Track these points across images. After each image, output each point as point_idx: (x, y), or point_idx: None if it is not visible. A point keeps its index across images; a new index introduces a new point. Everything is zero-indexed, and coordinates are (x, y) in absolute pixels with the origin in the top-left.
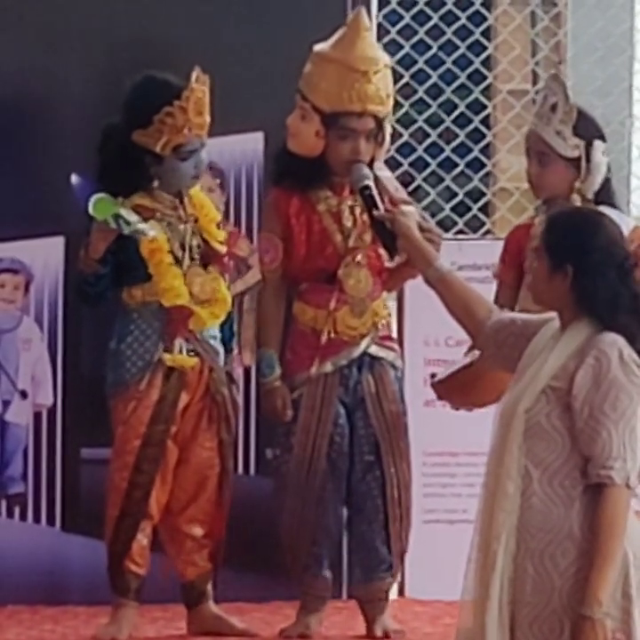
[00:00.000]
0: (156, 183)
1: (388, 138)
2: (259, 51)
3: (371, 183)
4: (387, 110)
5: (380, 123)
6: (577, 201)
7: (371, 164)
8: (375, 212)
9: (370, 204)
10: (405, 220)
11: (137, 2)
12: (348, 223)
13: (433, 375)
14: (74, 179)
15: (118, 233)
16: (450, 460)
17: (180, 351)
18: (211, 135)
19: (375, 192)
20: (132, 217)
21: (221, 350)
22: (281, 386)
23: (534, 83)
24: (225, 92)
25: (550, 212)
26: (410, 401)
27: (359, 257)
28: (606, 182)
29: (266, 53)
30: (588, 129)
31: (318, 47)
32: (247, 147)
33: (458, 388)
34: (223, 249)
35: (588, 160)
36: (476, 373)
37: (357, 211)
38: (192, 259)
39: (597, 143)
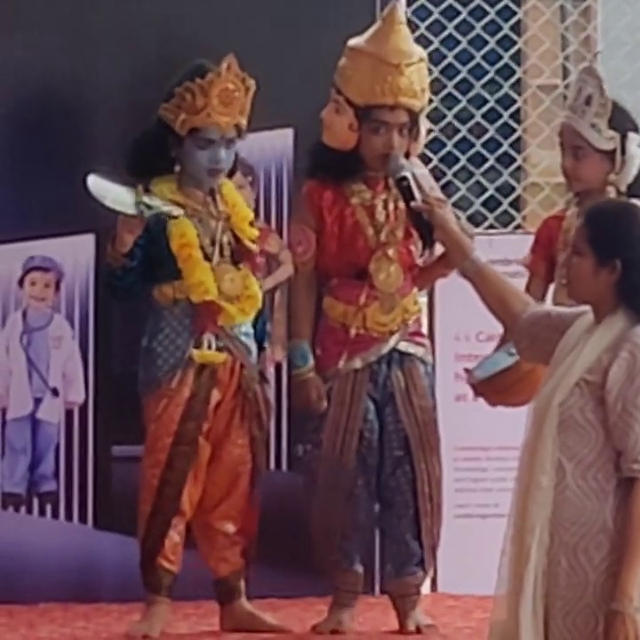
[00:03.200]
0: (177, 168)
1: (423, 132)
2: (287, 48)
3: (408, 174)
4: (421, 104)
5: (414, 117)
6: (611, 193)
7: (406, 159)
8: (412, 204)
9: (407, 195)
10: (442, 211)
11: (166, 0)
12: (381, 218)
13: (467, 370)
14: (90, 178)
15: (145, 227)
16: (481, 455)
17: (210, 347)
18: None
19: (413, 183)
20: (155, 202)
21: (254, 348)
22: (315, 377)
23: (564, 77)
24: (256, 89)
25: (586, 206)
26: (440, 396)
27: (390, 252)
28: None
29: (294, 50)
30: (622, 121)
31: (353, 41)
32: (277, 143)
33: (499, 389)
34: (255, 247)
35: (623, 152)
36: (517, 375)
37: (391, 205)
38: (222, 255)
39: (632, 135)
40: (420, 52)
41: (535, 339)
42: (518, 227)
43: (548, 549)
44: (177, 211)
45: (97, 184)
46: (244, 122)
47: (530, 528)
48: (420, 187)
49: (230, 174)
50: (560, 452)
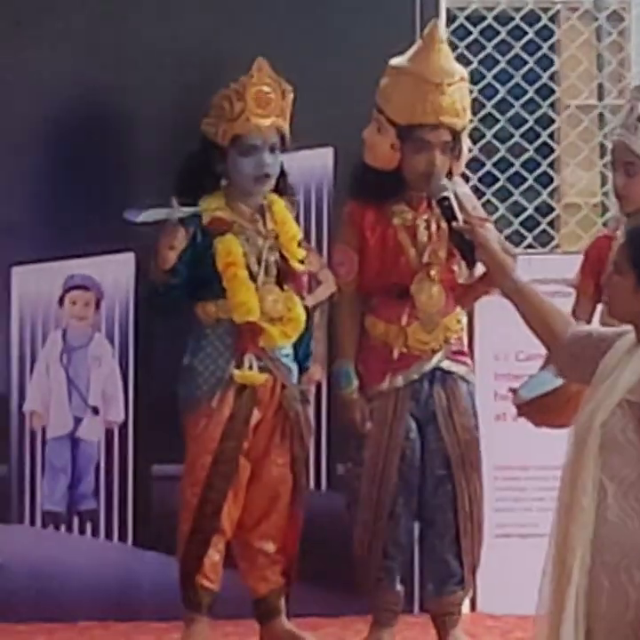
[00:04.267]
0: (223, 182)
1: (465, 151)
2: (327, 67)
3: (450, 194)
4: (463, 123)
5: (456, 136)
6: None
7: (448, 178)
8: (454, 224)
9: (448, 215)
10: (484, 231)
11: (207, 18)
12: (423, 238)
13: (512, 390)
14: (126, 213)
15: (191, 243)
16: (520, 475)
17: (251, 367)
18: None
19: (454, 203)
20: (191, 209)
21: (294, 368)
22: (359, 398)
23: (600, 97)
24: (295, 108)
25: (629, 224)
26: (480, 415)
27: (433, 272)
28: None
29: (334, 69)
30: None
31: (394, 60)
32: (317, 162)
33: (545, 410)
34: (302, 268)
35: None
36: (564, 397)
37: (433, 226)
38: (267, 275)
39: None
40: (461, 70)
41: (577, 358)
42: (555, 247)
43: (589, 569)
44: (218, 212)
45: (132, 209)
46: (285, 126)
47: (571, 548)
48: (462, 206)
49: (281, 193)
50: (601, 472)
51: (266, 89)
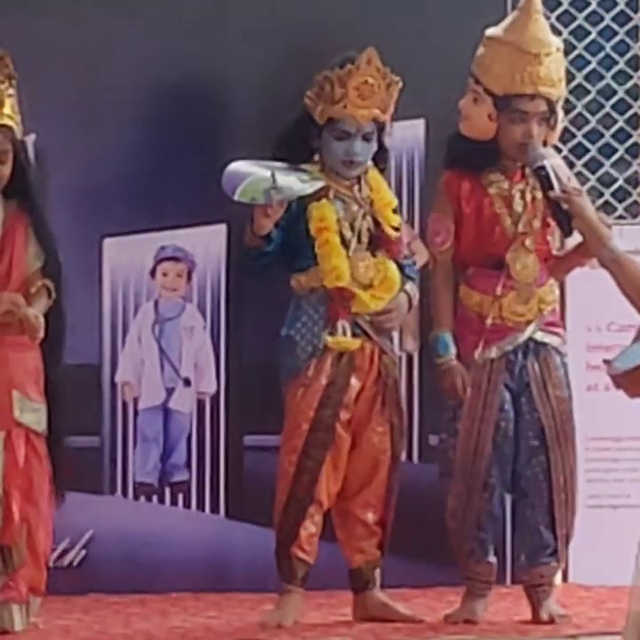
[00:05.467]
0: (316, 157)
1: (560, 122)
2: (418, 39)
3: (547, 163)
4: (559, 94)
5: (551, 106)
6: None
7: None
8: (551, 193)
9: (545, 184)
10: (581, 200)
11: None
12: (519, 208)
13: (606, 361)
14: (229, 167)
15: (286, 208)
16: (612, 445)
17: (344, 333)
18: None
19: (551, 172)
20: (291, 182)
21: (394, 334)
22: (458, 365)
23: None
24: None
25: None
26: (572, 386)
27: (528, 242)
28: None
29: (425, 41)
30: None
31: (491, 30)
32: (408, 133)
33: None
34: (396, 234)
35: None
36: None
37: (528, 196)
38: (360, 241)
39: None
40: (557, 41)
41: None
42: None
43: None
44: (312, 187)
45: (231, 173)
46: (383, 117)
47: None
48: (557, 176)
49: (377, 165)
50: None
51: (370, 81)
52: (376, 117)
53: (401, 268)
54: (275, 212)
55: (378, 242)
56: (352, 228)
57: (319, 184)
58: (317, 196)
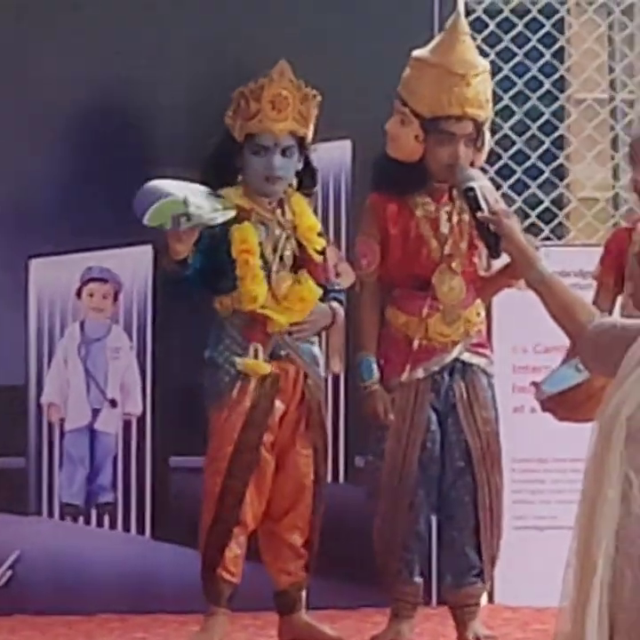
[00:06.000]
0: (239, 178)
1: (487, 143)
2: (344, 60)
3: (475, 185)
4: (486, 115)
5: (479, 127)
6: None
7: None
8: (479, 214)
9: (473, 205)
10: (509, 222)
11: (234, 11)
12: (445, 230)
13: (534, 384)
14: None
15: (210, 232)
16: (538, 467)
17: (256, 356)
18: None
19: (479, 194)
20: (203, 210)
21: (320, 356)
22: (380, 389)
23: (613, 91)
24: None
25: None
26: (498, 407)
27: (454, 264)
28: None
29: (351, 62)
30: None
31: (417, 52)
32: (335, 154)
33: (568, 405)
34: (320, 258)
35: None
36: (588, 392)
37: (455, 218)
38: (282, 264)
39: None
40: (484, 62)
41: (601, 350)
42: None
43: (613, 562)
44: (223, 217)
45: (144, 194)
46: (303, 130)
47: (596, 540)
48: (485, 198)
49: (300, 186)
50: (627, 465)
51: (284, 93)
52: (294, 131)
53: (327, 291)
54: (188, 237)
55: (302, 265)
56: (274, 250)
57: (231, 214)
58: (240, 218)
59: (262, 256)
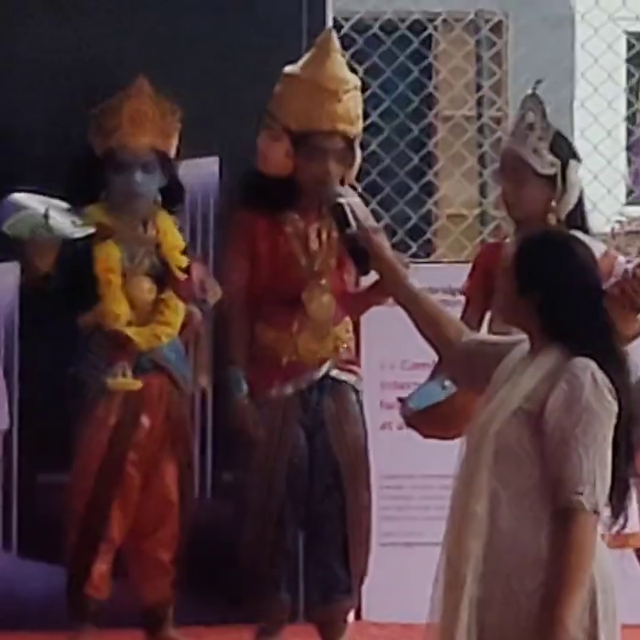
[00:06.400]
0: (103, 194)
1: (357, 160)
2: (212, 77)
3: (343, 201)
4: (357, 131)
5: (349, 143)
6: (552, 221)
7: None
8: (348, 231)
9: (342, 222)
10: (378, 238)
11: (91, 27)
12: (314, 246)
13: (400, 400)
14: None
15: (73, 249)
16: (405, 483)
17: (124, 374)
18: None
19: (348, 210)
20: (63, 224)
21: (187, 372)
22: (249, 403)
23: (480, 109)
24: (181, 117)
25: (523, 234)
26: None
27: (323, 281)
28: (579, 204)
29: (219, 79)
30: (563, 148)
31: (288, 68)
32: (202, 171)
33: (433, 422)
34: (182, 275)
35: (564, 180)
36: (452, 409)
37: (324, 234)
38: (146, 280)
39: (573, 163)
40: (354, 78)
41: (470, 366)
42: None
43: (481, 578)
44: (83, 232)
45: (6, 204)
46: (164, 146)
47: (464, 556)
48: (355, 214)
49: (166, 204)
50: (496, 480)
51: (143, 108)
52: (154, 146)
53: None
54: (49, 252)
55: (166, 282)
56: (138, 268)
57: (90, 229)
58: (103, 236)
59: (124, 274)
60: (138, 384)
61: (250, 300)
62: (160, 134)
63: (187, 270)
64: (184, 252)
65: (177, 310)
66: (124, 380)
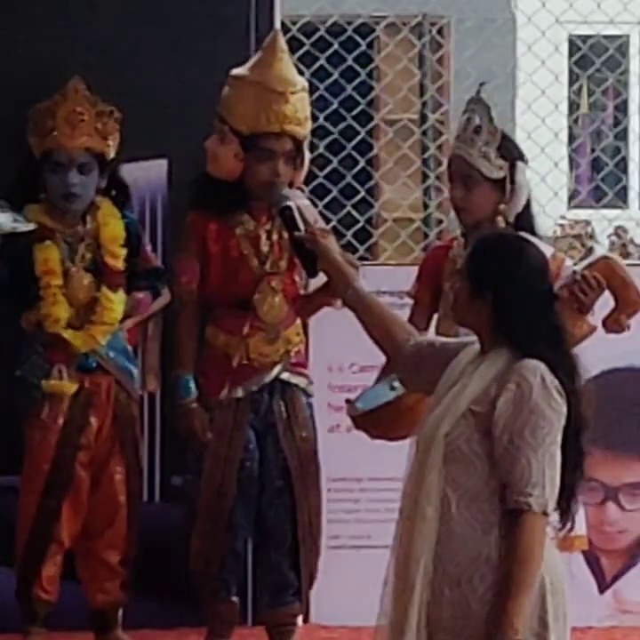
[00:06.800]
0: (42, 195)
1: (306, 162)
2: (160, 78)
3: (292, 204)
4: (305, 132)
5: (298, 145)
6: (501, 223)
7: (289, 188)
8: (296, 233)
9: (290, 225)
10: (326, 241)
11: (39, 31)
12: (265, 248)
13: (348, 401)
14: None
15: (13, 249)
16: (354, 486)
17: (61, 377)
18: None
19: (296, 213)
20: (3, 219)
21: (134, 371)
22: (198, 407)
23: (424, 112)
24: (129, 119)
25: (473, 237)
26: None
27: (274, 283)
28: (527, 206)
29: (167, 81)
30: (511, 150)
31: (236, 70)
32: (151, 173)
33: (380, 423)
34: (116, 264)
35: (512, 182)
36: (399, 410)
37: (275, 236)
38: (85, 274)
39: (520, 165)
40: (302, 80)
41: (419, 368)
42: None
43: (431, 580)
44: (25, 226)
45: None
46: (101, 147)
47: (414, 559)
48: (303, 217)
49: (117, 203)
50: (445, 482)
51: (78, 109)
52: (90, 147)
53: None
54: None
55: (102, 274)
56: (80, 264)
57: (31, 226)
58: (42, 236)
59: (66, 273)
60: (73, 387)
61: (200, 303)
62: (96, 136)
63: (137, 249)
64: (123, 246)
65: (114, 306)
66: (59, 383)
